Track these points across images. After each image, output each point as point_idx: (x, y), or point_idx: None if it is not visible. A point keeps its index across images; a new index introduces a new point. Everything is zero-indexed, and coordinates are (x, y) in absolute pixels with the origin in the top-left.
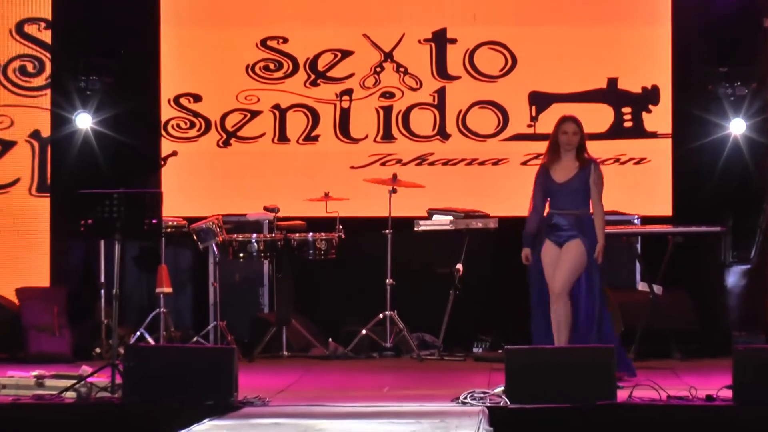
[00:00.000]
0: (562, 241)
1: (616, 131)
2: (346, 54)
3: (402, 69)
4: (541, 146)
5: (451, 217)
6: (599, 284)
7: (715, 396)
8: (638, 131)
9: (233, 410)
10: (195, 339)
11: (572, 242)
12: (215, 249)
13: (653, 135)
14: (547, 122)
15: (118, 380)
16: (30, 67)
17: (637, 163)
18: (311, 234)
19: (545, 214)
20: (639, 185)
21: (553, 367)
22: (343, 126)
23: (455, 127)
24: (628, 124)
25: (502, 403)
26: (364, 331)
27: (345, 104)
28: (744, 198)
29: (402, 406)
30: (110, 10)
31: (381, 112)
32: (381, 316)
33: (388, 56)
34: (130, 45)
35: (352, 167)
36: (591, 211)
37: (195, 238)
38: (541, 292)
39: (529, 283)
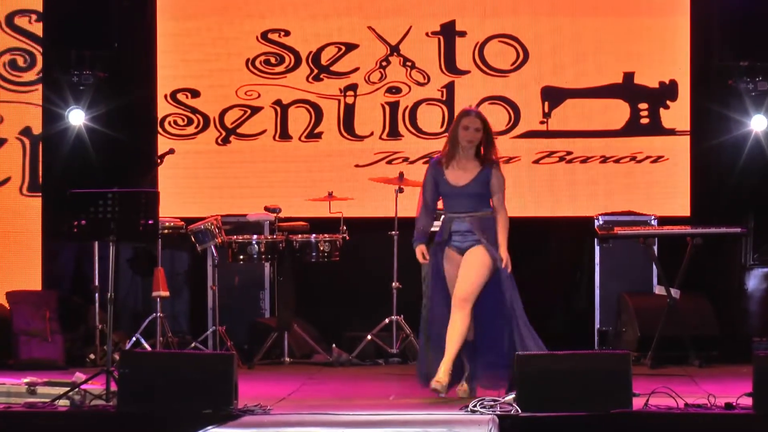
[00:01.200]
0: (465, 247)
1: (632, 128)
2: (350, 47)
3: (409, 63)
4: (555, 144)
5: None
6: (518, 302)
7: (734, 404)
8: (655, 128)
9: (233, 419)
10: (193, 345)
11: (476, 248)
12: (214, 251)
13: (671, 132)
14: (560, 119)
15: (113, 387)
16: (20, 61)
17: (654, 161)
18: (314, 235)
19: (442, 217)
20: (656, 184)
21: (566, 374)
22: (347, 123)
23: None
24: (644, 121)
25: (513, 412)
26: (369, 337)
27: (349, 100)
28: (766, 197)
29: (409, 415)
30: (104, 2)
31: (387, 108)
32: (387, 320)
33: (395, 50)
34: (125, 38)
35: (357, 166)
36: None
37: (193, 239)
38: (434, 300)
39: (424, 290)
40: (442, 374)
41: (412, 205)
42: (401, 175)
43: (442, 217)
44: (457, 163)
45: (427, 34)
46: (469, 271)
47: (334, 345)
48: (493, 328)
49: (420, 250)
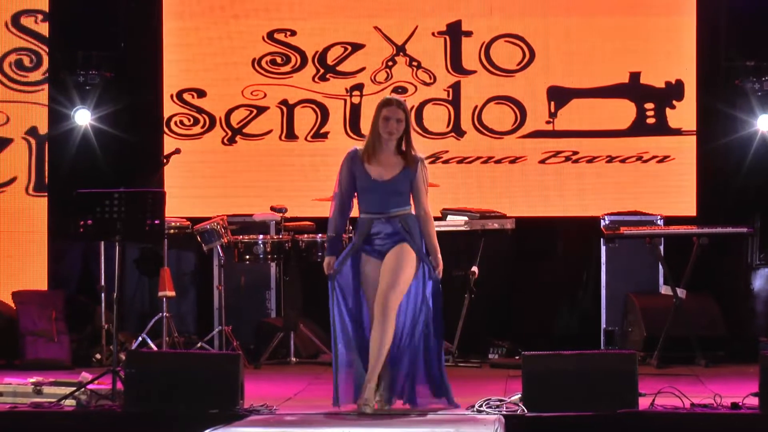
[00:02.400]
0: (385, 249)
1: (638, 128)
2: (356, 47)
3: (415, 63)
4: (561, 143)
5: (466, 218)
6: (440, 317)
7: (740, 404)
8: (661, 128)
9: (239, 419)
10: (199, 345)
11: (400, 246)
12: (220, 251)
13: (677, 132)
14: (566, 118)
15: (120, 387)
16: (26, 61)
17: (661, 161)
18: (320, 235)
19: (358, 217)
20: (662, 184)
21: (572, 374)
22: (353, 122)
23: (470, 123)
24: (650, 121)
25: (519, 412)
26: None
27: (355, 100)
28: None
29: (415, 415)
30: (110, 2)
31: None
32: None
33: (401, 50)
34: (131, 38)
35: None
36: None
37: (199, 239)
38: (343, 316)
39: (330, 306)
40: (369, 392)
41: None
42: None
43: (360, 217)
44: (378, 156)
45: (433, 34)
46: (394, 275)
47: None
48: (412, 336)
49: (327, 263)
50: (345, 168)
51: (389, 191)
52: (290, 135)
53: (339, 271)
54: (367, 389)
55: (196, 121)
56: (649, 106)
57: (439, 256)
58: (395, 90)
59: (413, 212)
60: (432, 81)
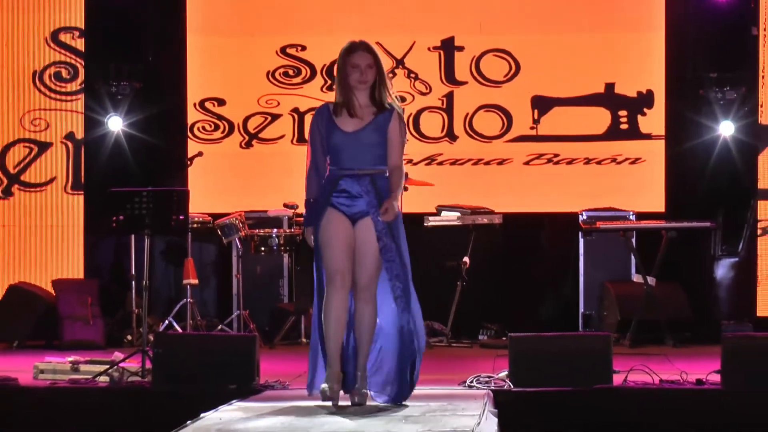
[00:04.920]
0: (354, 212)
1: (612, 133)
2: None
3: (413, 75)
4: (543, 147)
5: (458, 214)
6: (408, 269)
7: (704, 380)
8: (634, 133)
9: (255, 393)
10: (219, 327)
11: (365, 221)
12: (238, 243)
13: (648, 136)
14: (548, 125)
15: (148, 365)
16: (64, 73)
17: (633, 162)
18: None
19: (326, 173)
20: (634, 184)
21: (553, 354)
22: None
23: (462, 129)
24: (624, 127)
25: (506, 387)
26: None
27: None
28: (733, 195)
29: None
30: (139, 19)
31: None
32: None
33: (400, 63)
34: (159, 52)
35: None
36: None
37: (219, 233)
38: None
39: (316, 270)
40: (361, 382)
41: (416, 203)
42: (406, 175)
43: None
44: (350, 108)
45: (428, 49)
46: (369, 255)
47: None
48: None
49: (309, 234)
50: (315, 126)
51: (360, 144)
52: (301, 139)
53: (320, 223)
54: (359, 377)
55: (216, 127)
56: (623, 113)
57: (396, 203)
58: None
59: (386, 172)
60: (428, 91)
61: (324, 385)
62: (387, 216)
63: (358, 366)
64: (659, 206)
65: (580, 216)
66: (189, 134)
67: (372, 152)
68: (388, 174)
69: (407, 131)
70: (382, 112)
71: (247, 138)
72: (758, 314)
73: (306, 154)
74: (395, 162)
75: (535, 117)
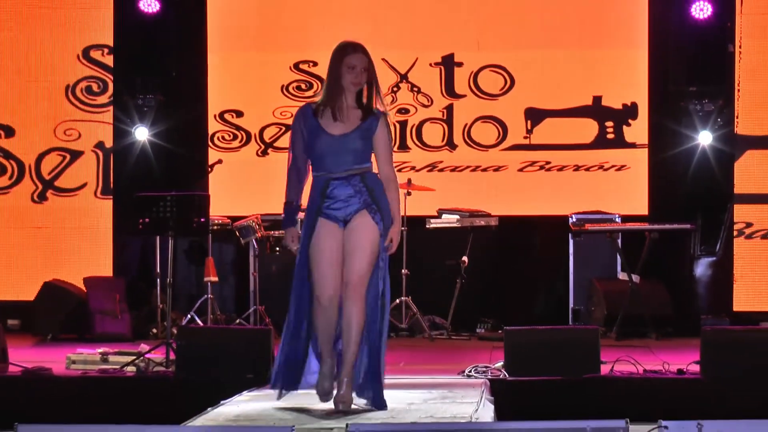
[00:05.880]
0: (348, 213)
1: (600, 142)
2: None
3: (416, 89)
4: (536, 155)
5: (457, 216)
6: (388, 290)
7: (684, 370)
8: (619, 142)
9: (270, 382)
10: (237, 321)
11: (361, 215)
12: (255, 244)
13: (632, 145)
14: (540, 134)
15: (172, 356)
16: (95, 87)
17: (618, 169)
18: None
19: (312, 178)
20: (620, 188)
21: (545, 345)
22: None
23: (461, 138)
24: (610, 136)
25: (501, 376)
26: None
27: None
28: (711, 199)
29: (416, 379)
30: (164, 37)
31: (398, 125)
32: (398, 301)
33: (404, 77)
34: (181, 67)
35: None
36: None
37: (237, 234)
38: (303, 297)
39: (296, 279)
40: (346, 387)
41: (419, 206)
42: (409, 181)
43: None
44: (335, 110)
45: (430, 65)
46: (359, 250)
47: None
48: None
49: (291, 236)
50: (297, 126)
51: (347, 148)
52: None
53: (311, 238)
54: (344, 383)
55: (234, 137)
56: (609, 124)
57: (398, 228)
58: (399, 111)
59: (371, 169)
60: (429, 103)
61: (324, 382)
62: (392, 249)
63: (343, 371)
64: (643, 209)
65: (570, 219)
66: (209, 143)
67: (355, 155)
68: (377, 175)
69: (394, 134)
70: (369, 118)
71: (263, 147)
72: (735, 309)
73: (288, 155)
74: (387, 173)
75: (528, 127)
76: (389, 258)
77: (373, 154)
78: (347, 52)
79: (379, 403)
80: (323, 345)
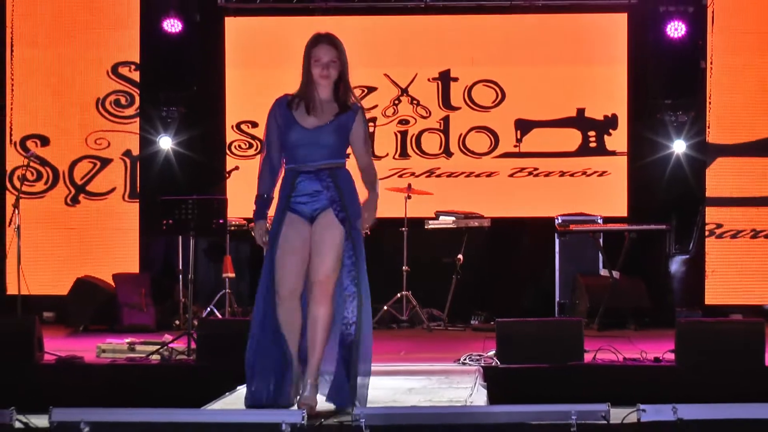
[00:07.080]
0: (314, 209)
1: (583, 150)
2: (371, 90)
3: (415, 101)
4: (525, 162)
5: (453, 218)
6: (366, 283)
7: (661, 358)
8: (601, 150)
9: None
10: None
11: (328, 216)
12: None
13: (613, 153)
14: (529, 143)
15: (193, 346)
16: (122, 100)
17: (600, 175)
18: None
19: (281, 171)
20: (601, 193)
21: (534, 336)
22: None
23: (457, 147)
24: (592, 145)
25: (493, 364)
26: (385, 307)
27: (370, 129)
28: (684, 202)
29: (415, 366)
30: (185, 55)
31: (398, 135)
32: (399, 295)
33: (404, 91)
34: (201, 82)
35: None
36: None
37: (253, 234)
38: (268, 299)
39: (261, 282)
40: (311, 389)
41: (418, 209)
42: (409, 185)
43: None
44: (310, 103)
45: (428, 80)
46: (325, 249)
47: None
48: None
49: (260, 230)
50: (272, 117)
51: (319, 142)
52: None
53: (278, 231)
54: (309, 386)
55: (250, 146)
56: (592, 134)
57: (375, 213)
58: (400, 122)
59: (346, 168)
60: (428, 115)
61: (303, 402)
62: (365, 227)
63: (308, 372)
64: (622, 212)
65: (556, 220)
66: (227, 151)
67: (329, 149)
68: (360, 170)
69: (396, 144)
70: (345, 112)
71: None
72: (706, 302)
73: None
74: (365, 162)
75: (518, 137)
76: (365, 254)
77: (350, 149)
78: (314, 43)
79: (348, 403)
80: (289, 344)
